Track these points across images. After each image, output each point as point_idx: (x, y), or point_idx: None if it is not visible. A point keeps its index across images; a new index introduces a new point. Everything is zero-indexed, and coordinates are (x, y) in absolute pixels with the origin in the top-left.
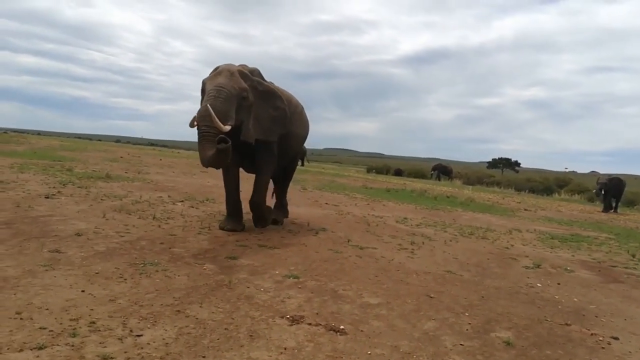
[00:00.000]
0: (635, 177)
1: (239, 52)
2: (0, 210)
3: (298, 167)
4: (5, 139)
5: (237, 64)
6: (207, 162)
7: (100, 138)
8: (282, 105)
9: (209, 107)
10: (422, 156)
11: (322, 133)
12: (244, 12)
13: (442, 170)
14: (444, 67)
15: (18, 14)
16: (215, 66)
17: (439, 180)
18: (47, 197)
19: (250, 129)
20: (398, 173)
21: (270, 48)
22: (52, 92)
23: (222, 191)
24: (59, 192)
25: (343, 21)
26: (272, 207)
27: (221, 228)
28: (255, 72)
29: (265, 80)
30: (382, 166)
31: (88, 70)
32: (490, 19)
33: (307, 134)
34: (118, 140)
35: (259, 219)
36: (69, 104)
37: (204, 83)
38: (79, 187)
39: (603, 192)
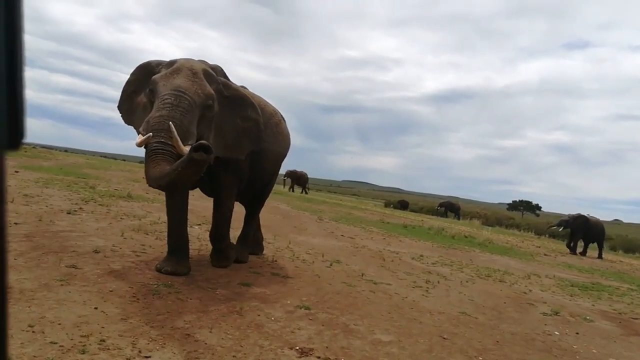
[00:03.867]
0: None
1: (266, 82)
2: (23, 223)
3: (313, 196)
4: (33, 153)
5: (197, 60)
6: (156, 179)
7: (124, 158)
8: (255, 115)
9: (169, 120)
10: (441, 194)
11: (341, 166)
12: (273, 44)
13: (450, 207)
14: (467, 107)
15: (57, 36)
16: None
17: (446, 216)
18: (69, 213)
19: (211, 144)
20: (403, 206)
21: (297, 80)
22: (83, 111)
23: (241, 216)
24: (80, 208)
25: (369, 58)
26: (238, 240)
27: (158, 270)
28: (219, 71)
29: (232, 82)
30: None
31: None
32: (516, 62)
33: (286, 151)
34: (142, 161)
35: (219, 256)
36: (99, 123)
37: (154, 82)
38: (100, 204)
39: (570, 232)
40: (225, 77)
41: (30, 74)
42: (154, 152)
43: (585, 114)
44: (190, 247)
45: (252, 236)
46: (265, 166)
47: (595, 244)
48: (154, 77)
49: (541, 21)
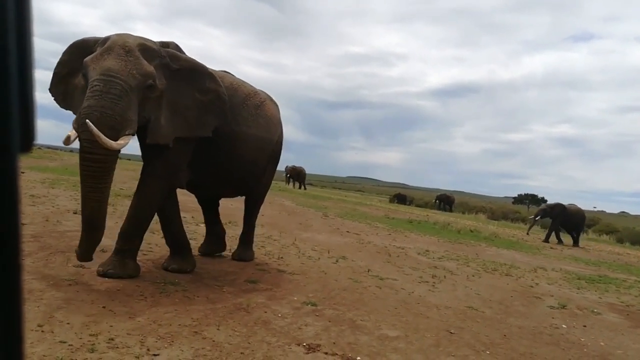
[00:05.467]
0: None
1: (271, 79)
2: (30, 224)
3: (313, 192)
4: (39, 154)
5: (134, 35)
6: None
7: (129, 157)
8: (214, 85)
9: (98, 110)
10: (447, 188)
11: (346, 161)
12: (277, 41)
13: (445, 200)
14: (471, 101)
15: (62, 37)
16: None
17: (442, 209)
18: (75, 213)
19: (163, 126)
20: (400, 199)
21: (301, 77)
22: None
23: (237, 216)
24: None
25: (372, 53)
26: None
27: (165, 268)
28: (172, 45)
29: (184, 55)
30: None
31: None
32: (521, 55)
33: (273, 136)
34: None
35: (114, 259)
36: None
37: (85, 65)
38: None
39: (551, 220)
40: (180, 51)
41: (35, 75)
42: (82, 158)
43: (591, 106)
44: (196, 245)
45: (248, 235)
46: (241, 153)
47: (573, 235)
48: (85, 59)
49: (545, 14)
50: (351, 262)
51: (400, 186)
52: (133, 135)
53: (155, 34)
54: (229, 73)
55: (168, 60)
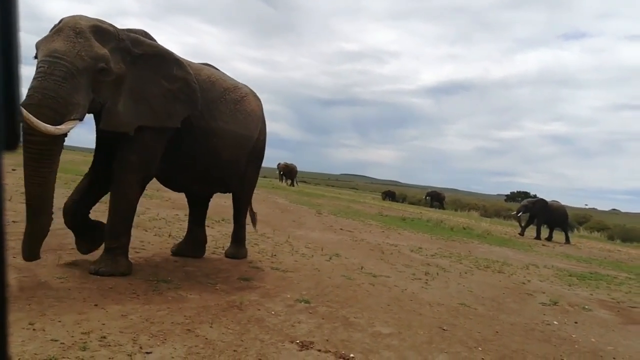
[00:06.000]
0: None
1: (265, 77)
2: (21, 221)
3: (306, 189)
4: None
5: (89, 16)
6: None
7: None
8: (182, 73)
9: (40, 92)
10: (440, 186)
11: (340, 159)
12: (271, 38)
13: (436, 197)
14: (465, 99)
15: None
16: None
17: (432, 206)
18: None
19: (121, 114)
20: (390, 196)
21: (295, 74)
22: None
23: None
24: None
25: (366, 51)
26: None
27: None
28: (139, 32)
29: (148, 40)
30: (398, 194)
31: None
32: (514, 53)
33: (253, 133)
34: None
35: (104, 258)
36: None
37: (36, 47)
38: (99, 201)
39: (529, 217)
40: (148, 37)
41: (24, 72)
42: (23, 140)
43: (583, 104)
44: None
45: (243, 235)
46: (218, 149)
47: (557, 231)
48: (37, 41)
49: (539, 12)
50: (344, 260)
51: (393, 184)
52: (80, 120)
53: (149, 31)
54: (212, 66)
55: (128, 44)
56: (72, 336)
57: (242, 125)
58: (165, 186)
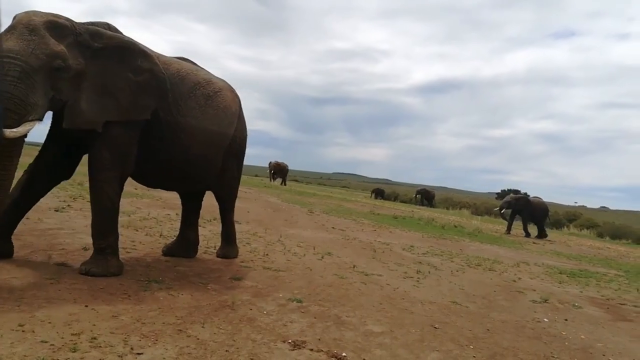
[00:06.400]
0: None
1: (256, 75)
2: None
3: (298, 188)
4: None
5: (44, 12)
6: None
7: None
8: (148, 64)
9: None
10: (431, 184)
11: (331, 158)
12: (262, 37)
13: (425, 195)
14: (455, 98)
15: None
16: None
17: (422, 204)
18: (57, 210)
19: (86, 110)
20: (379, 194)
21: (286, 73)
22: None
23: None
24: (68, 205)
25: (357, 49)
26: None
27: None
28: (102, 25)
29: (112, 33)
30: (390, 193)
31: None
32: (504, 52)
33: (228, 130)
34: None
35: (95, 259)
36: None
37: None
38: (88, 201)
39: (511, 212)
40: (112, 29)
41: None
42: None
43: (572, 102)
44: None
45: (233, 234)
46: (187, 146)
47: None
48: None
49: (528, 11)
50: (336, 259)
51: (384, 182)
52: (40, 120)
53: (138, 29)
54: (188, 60)
55: (87, 37)
56: (62, 337)
57: (214, 121)
58: (138, 182)
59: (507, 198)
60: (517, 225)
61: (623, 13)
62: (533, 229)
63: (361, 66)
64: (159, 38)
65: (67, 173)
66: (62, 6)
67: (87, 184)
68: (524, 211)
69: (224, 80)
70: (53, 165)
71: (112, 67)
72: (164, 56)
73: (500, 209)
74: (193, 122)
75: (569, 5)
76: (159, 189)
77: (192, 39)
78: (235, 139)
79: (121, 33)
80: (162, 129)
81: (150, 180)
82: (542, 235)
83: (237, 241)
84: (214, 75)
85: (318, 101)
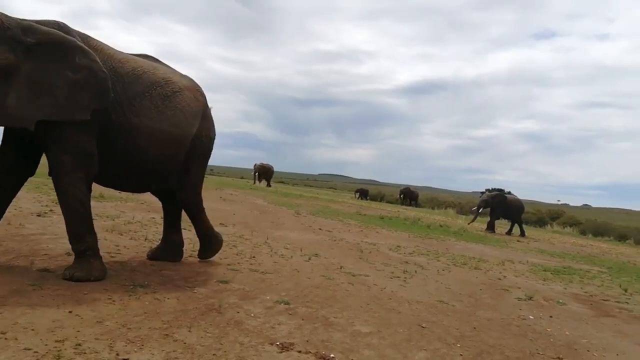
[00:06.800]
0: (627, 212)
1: (240, 77)
2: None
3: (285, 189)
4: None
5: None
6: None
7: None
8: (85, 61)
9: None
10: (416, 184)
11: (318, 159)
12: (246, 38)
13: (409, 194)
14: (439, 98)
15: None
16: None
17: (406, 203)
18: (39, 215)
19: (12, 106)
20: (363, 194)
21: (271, 74)
22: None
23: (220, 214)
24: (51, 210)
25: (342, 51)
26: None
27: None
28: (52, 23)
29: (48, 28)
30: (376, 193)
31: None
32: (486, 53)
33: (187, 132)
34: None
35: (75, 263)
36: None
37: None
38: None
39: (490, 210)
40: (66, 30)
41: None
42: None
43: (554, 102)
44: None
45: (207, 234)
46: (142, 146)
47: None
48: None
49: (510, 12)
50: (324, 260)
51: (371, 183)
52: None
53: (120, 31)
54: (151, 57)
55: (18, 32)
56: (46, 344)
57: (171, 122)
58: (98, 183)
59: (484, 197)
60: (500, 224)
61: (603, 14)
62: (507, 226)
63: (346, 67)
64: (142, 40)
65: (31, 170)
66: (41, 7)
67: None
68: (499, 208)
69: (189, 79)
70: (16, 166)
71: (48, 63)
72: (122, 53)
73: (478, 208)
74: (148, 123)
75: (549, 7)
76: (119, 190)
77: (175, 40)
78: (199, 138)
79: (74, 33)
80: (114, 129)
81: (106, 180)
82: (515, 232)
83: (224, 244)
84: (177, 74)
85: (303, 103)
